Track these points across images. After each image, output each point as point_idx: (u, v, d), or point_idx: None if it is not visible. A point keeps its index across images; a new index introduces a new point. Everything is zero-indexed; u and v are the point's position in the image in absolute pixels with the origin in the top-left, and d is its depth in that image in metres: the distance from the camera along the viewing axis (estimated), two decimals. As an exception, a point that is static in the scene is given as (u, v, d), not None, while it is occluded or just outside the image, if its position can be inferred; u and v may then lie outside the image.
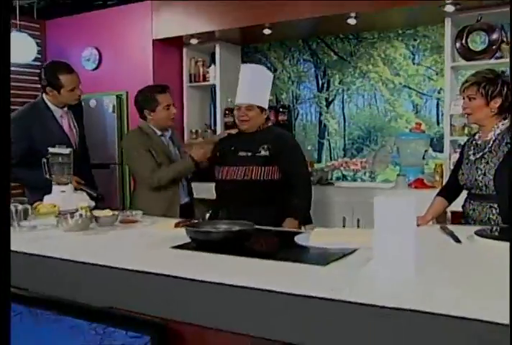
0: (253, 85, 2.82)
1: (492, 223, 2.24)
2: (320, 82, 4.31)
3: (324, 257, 1.67)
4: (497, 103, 2.21)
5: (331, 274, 1.48)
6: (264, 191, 2.74)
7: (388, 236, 1.47)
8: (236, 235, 1.87)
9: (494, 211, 2.24)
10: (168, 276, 1.55)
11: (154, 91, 2.90)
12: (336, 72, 4.24)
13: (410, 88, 3.96)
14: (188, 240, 1.84)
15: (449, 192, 2.50)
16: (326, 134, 4.33)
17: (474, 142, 2.36)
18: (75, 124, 3.14)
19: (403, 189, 3.40)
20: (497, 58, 3.27)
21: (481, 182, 2.25)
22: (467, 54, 3.28)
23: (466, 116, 2.37)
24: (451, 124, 3.37)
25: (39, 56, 4.59)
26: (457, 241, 1.83)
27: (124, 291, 1.68)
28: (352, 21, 3.47)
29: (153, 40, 4.14)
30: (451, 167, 2.74)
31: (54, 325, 1.69)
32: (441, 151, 3.65)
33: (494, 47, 3.22)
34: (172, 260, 1.70)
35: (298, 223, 2.78)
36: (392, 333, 1.25)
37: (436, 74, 3.83)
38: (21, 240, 2.00)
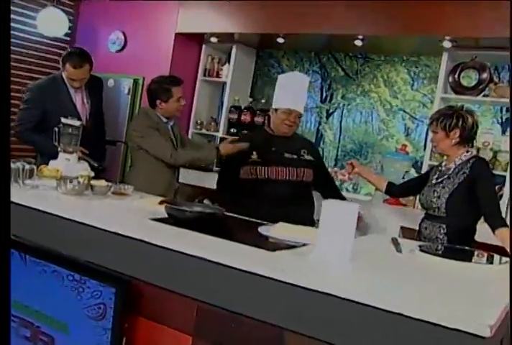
0: (302, 94, 2.93)
1: (439, 241, 2.51)
2: (324, 94, 4.58)
3: (276, 245, 1.94)
4: (456, 133, 2.49)
5: (275, 258, 1.76)
6: (308, 191, 2.97)
7: (330, 232, 1.76)
8: (207, 217, 2.15)
9: (442, 231, 2.51)
10: (138, 240, 1.83)
11: (170, 83, 3.07)
12: (340, 87, 4.51)
13: (405, 112, 4.22)
14: (167, 216, 2.13)
15: (399, 186, 2.89)
16: (322, 142, 4.60)
17: (439, 168, 2.65)
18: (89, 101, 3.40)
19: (378, 203, 3.66)
20: (484, 96, 3.53)
21: (435, 203, 2.53)
22: (458, 88, 3.54)
23: (434, 147, 2.67)
24: (432, 150, 3.63)
25: (70, 31, 4.89)
26: (399, 251, 2.09)
27: (100, 248, 1.95)
28: (358, 43, 3.73)
29: (176, 33, 4.41)
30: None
31: (37, 268, 1.99)
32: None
33: (482, 85, 3.47)
34: (147, 229, 1.98)
35: None
36: (313, 311, 1.52)
37: (431, 102, 4.07)
38: (23, 195, 2.27)
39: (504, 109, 3.73)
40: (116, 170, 4.58)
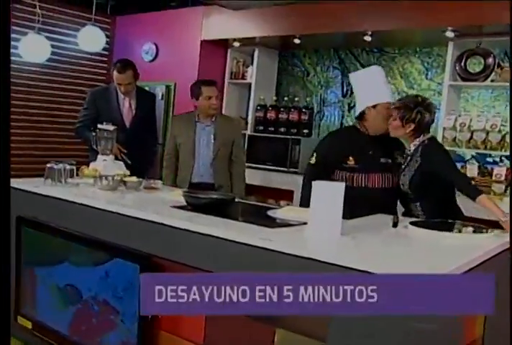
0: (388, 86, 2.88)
1: (420, 217, 2.63)
2: (345, 88, 4.80)
3: (277, 224, 2.21)
4: (410, 127, 2.60)
5: (271, 233, 2.03)
6: (396, 198, 2.80)
7: (320, 211, 2.01)
8: (218, 202, 2.46)
9: (418, 208, 2.68)
10: (157, 223, 2.16)
11: (201, 83, 3.51)
12: (359, 80, 4.71)
13: (421, 101, 4.37)
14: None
15: None
16: (346, 135, 4.80)
17: (406, 151, 2.76)
18: (135, 107, 3.85)
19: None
20: (492, 81, 3.66)
21: (401, 180, 2.71)
22: (465, 75, 3.69)
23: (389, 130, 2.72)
24: (443, 136, 3.80)
25: (108, 46, 5.35)
26: (394, 226, 2.32)
27: (126, 231, 2.30)
28: (367, 38, 3.94)
29: (201, 41, 4.77)
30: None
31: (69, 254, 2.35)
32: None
33: (487, 71, 3.61)
34: (165, 214, 2.29)
35: None
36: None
37: (445, 90, 4.22)
38: (65, 192, 2.65)
39: (517, 93, 3.84)
40: (156, 170, 4.97)
